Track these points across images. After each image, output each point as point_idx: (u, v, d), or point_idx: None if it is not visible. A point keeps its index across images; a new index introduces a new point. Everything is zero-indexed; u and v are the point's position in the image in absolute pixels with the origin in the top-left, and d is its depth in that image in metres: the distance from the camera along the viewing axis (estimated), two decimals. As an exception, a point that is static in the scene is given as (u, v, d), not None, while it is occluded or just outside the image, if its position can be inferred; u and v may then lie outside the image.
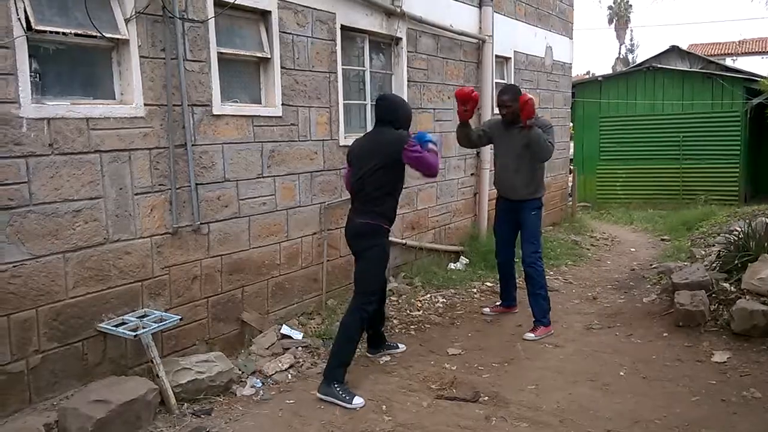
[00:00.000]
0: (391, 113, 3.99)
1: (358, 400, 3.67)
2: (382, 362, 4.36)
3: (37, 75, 3.32)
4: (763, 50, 29.06)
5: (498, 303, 5.53)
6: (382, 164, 3.85)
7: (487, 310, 5.45)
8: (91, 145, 3.48)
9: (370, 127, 5.47)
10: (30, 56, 3.22)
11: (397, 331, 5.02)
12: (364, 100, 5.85)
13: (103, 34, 3.50)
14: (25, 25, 3.14)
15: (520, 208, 4.98)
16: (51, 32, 3.29)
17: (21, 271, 3.21)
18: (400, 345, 4.60)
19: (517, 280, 5.45)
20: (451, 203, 7.18)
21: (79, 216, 3.46)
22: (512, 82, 8.57)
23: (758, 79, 13.25)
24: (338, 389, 3.71)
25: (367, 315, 3.92)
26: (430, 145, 3.98)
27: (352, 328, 3.86)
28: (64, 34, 3.35)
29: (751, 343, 4.45)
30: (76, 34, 3.41)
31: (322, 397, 3.72)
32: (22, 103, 3.16)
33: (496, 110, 8.12)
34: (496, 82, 7.92)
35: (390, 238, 5.98)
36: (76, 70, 3.57)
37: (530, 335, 4.83)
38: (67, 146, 3.37)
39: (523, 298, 5.26)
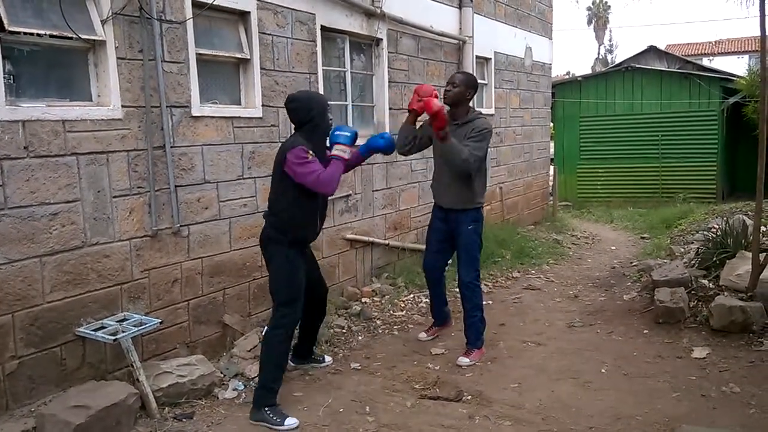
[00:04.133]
0: (306, 112, 3.62)
1: (290, 421, 3.47)
2: (364, 363, 4.35)
3: (11, 77, 3.26)
4: (739, 50, 29.55)
5: (433, 324, 4.96)
6: (276, 174, 3.64)
7: (423, 335, 4.86)
8: (68, 148, 3.44)
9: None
10: (3, 58, 3.16)
11: (380, 331, 5.02)
12: (345, 101, 5.84)
13: (79, 35, 3.45)
14: (-2, 26, 3.09)
15: (455, 219, 4.41)
16: (25, 33, 3.24)
17: (-4, 276, 3.16)
18: (326, 357, 4.36)
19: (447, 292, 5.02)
20: (433, 203, 7.18)
21: (56, 219, 3.40)
22: (493, 83, 8.62)
23: (734, 78, 13.44)
24: (269, 413, 3.50)
25: (288, 329, 3.66)
26: (336, 149, 3.62)
27: (272, 347, 3.61)
28: (38, 35, 3.30)
29: (730, 338, 4.51)
30: (52, 36, 3.36)
31: (254, 423, 3.51)
32: (-5, 106, 3.11)
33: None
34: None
35: (372, 239, 6.04)
36: (51, 71, 3.51)
37: (464, 360, 4.36)
38: (42, 149, 3.32)
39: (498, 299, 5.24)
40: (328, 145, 3.73)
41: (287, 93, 4.87)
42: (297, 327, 3.90)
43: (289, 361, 4.11)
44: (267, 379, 3.58)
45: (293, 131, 3.76)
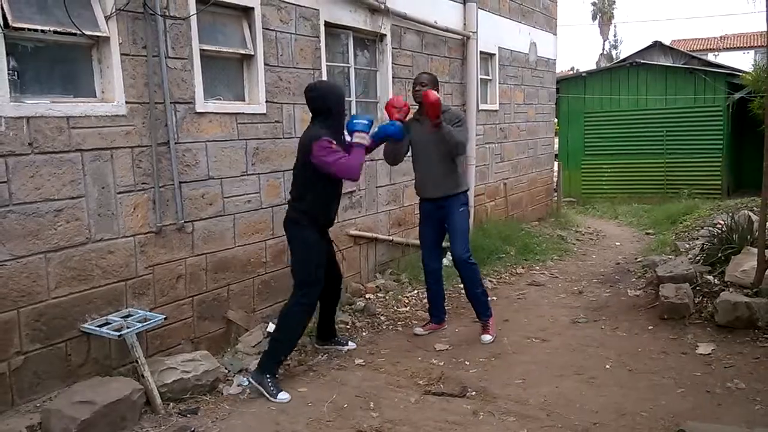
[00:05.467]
0: (324, 102, 3.87)
1: (283, 396, 3.71)
2: (369, 359, 4.36)
3: (16, 73, 3.26)
4: (745, 45, 29.37)
5: (429, 320, 4.96)
6: (300, 163, 3.90)
7: (419, 330, 4.88)
8: (72, 144, 3.44)
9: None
10: (8, 54, 3.16)
11: (384, 327, 5.02)
12: (349, 96, 5.83)
13: (83, 31, 3.45)
14: (1, 23, 3.09)
15: (445, 205, 4.59)
16: (29, 30, 3.24)
17: (1, 272, 3.16)
18: (350, 342, 4.53)
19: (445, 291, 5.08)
20: (437, 199, 7.17)
21: (61, 215, 3.41)
22: (497, 79, 8.60)
23: (740, 73, 13.33)
24: (268, 381, 3.77)
25: (305, 308, 3.92)
26: (356, 137, 3.87)
27: (287, 323, 3.88)
28: (42, 31, 3.30)
29: (735, 334, 4.49)
30: (56, 32, 3.36)
31: (252, 382, 3.82)
32: (0, 102, 3.11)
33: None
34: (481, 79, 7.94)
35: (376, 235, 6.04)
36: (55, 68, 3.52)
37: (486, 337, 4.62)
38: (47, 145, 3.32)
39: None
40: (345, 133, 3.99)
41: (291, 89, 4.92)
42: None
43: (314, 345, 4.40)
44: (276, 350, 3.87)
45: (312, 119, 3.98)
